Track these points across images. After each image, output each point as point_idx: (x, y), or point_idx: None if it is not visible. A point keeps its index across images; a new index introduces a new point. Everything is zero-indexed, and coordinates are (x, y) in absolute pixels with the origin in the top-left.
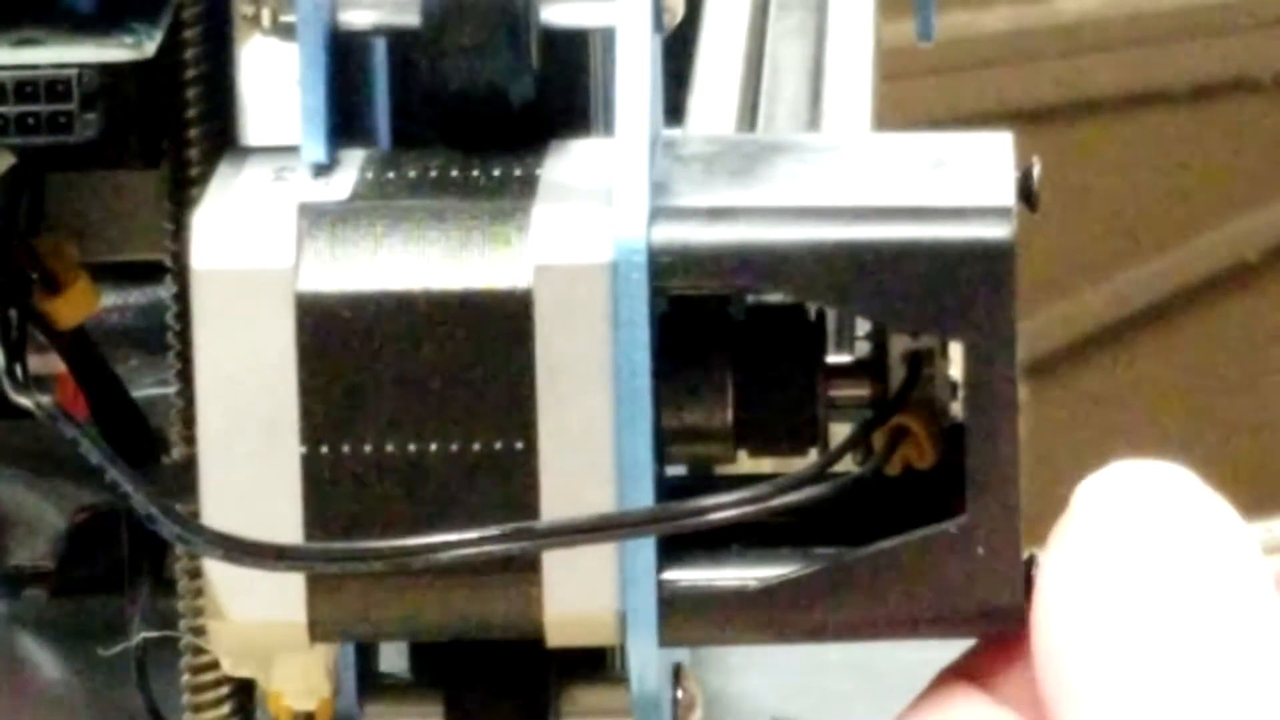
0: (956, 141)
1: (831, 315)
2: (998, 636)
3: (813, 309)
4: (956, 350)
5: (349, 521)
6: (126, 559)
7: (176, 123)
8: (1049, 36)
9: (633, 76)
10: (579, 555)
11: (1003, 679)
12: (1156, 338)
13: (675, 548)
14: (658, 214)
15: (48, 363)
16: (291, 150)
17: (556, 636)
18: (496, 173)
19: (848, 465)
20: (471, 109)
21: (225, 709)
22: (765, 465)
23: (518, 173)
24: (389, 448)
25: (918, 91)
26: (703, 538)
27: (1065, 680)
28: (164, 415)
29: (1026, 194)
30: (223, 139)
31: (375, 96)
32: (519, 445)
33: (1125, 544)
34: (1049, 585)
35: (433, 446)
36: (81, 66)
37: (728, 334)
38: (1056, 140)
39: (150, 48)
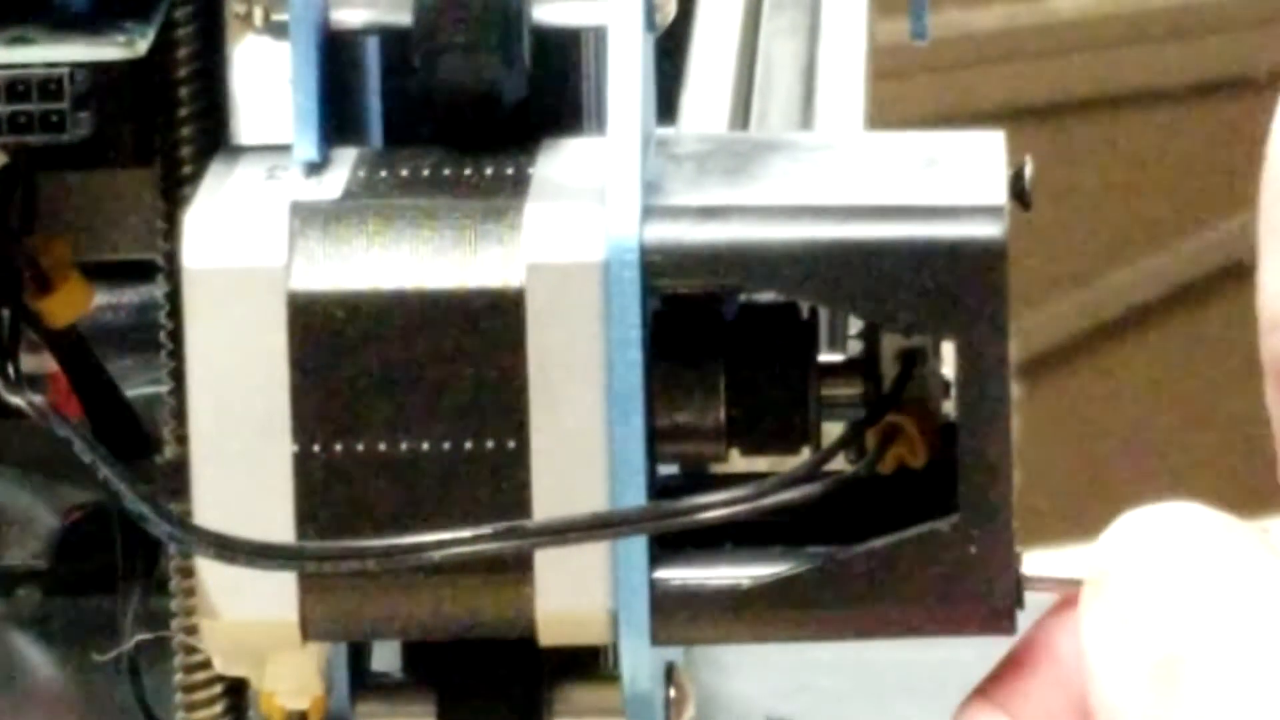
0: (949, 140)
1: (824, 314)
2: (1017, 657)
3: (805, 308)
4: (949, 348)
5: (341, 520)
6: (119, 558)
7: (169, 121)
8: (1042, 35)
9: (625, 75)
10: (571, 554)
11: (1030, 698)
12: (1150, 337)
13: (667, 546)
14: (650, 213)
15: (40, 362)
16: (284, 149)
17: (549, 635)
18: (489, 171)
19: (840, 464)
20: (464, 108)
21: (218, 708)
22: (758, 464)
23: (510, 171)
24: (381, 446)
25: (911, 90)
26: (695, 536)
27: None
28: (156, 414)
29: (1019, 193)
30: (215, 138)
31: (367, 95)
32: (511, 444)
33: (1163, 593)
34: (1095, 645)
35: (425, 445)
36: (74, 65)
37: (720, 333)
38: (1050, 139)
39: (142, 46)
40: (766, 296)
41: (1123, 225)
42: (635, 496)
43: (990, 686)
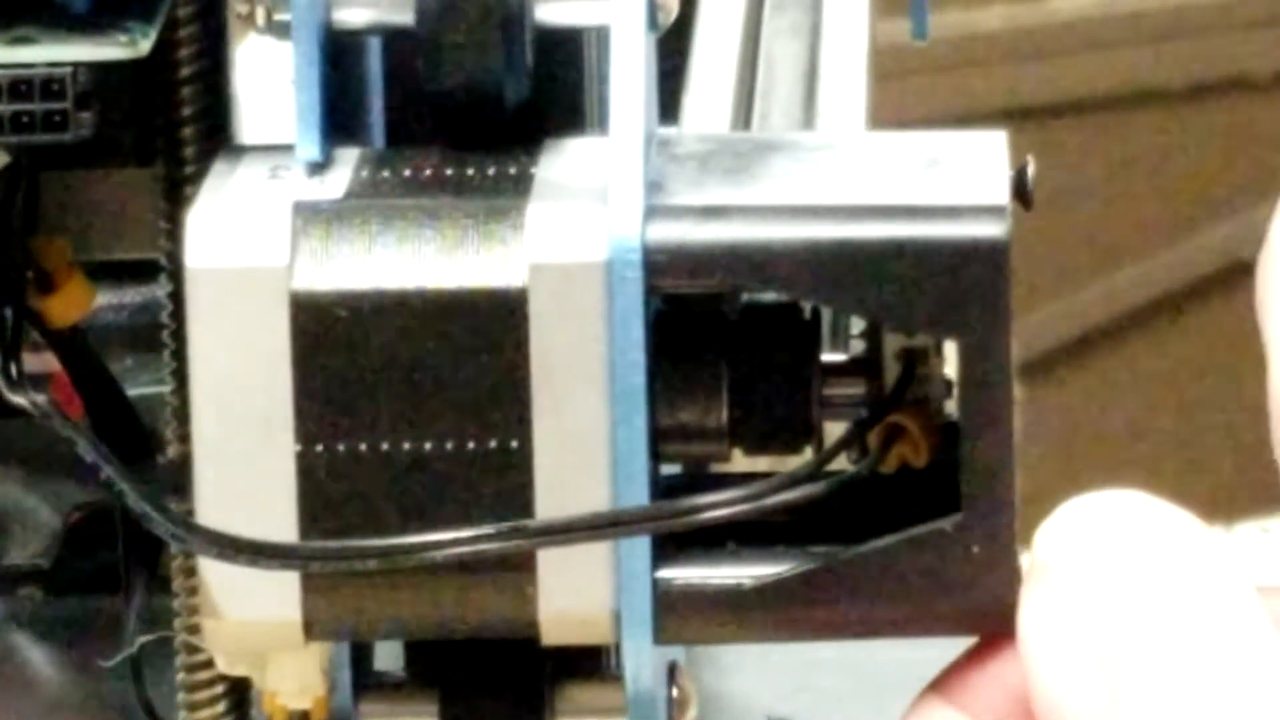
0: (951, 140)
1: (826, 313)
2: (971, 652)
3: (807, 307)
4: (952, 348)
5: (344, 520)
6: (122, 558)
7: (171, 121)
8: (1044, 36)
9: (627, 75)
10: (574, 554)
11: (977, 693)
12: (1151, 337)
13: (670, 546)
14: (652, 212)
15: (43, 361)
16: (286, 149)
17: (551, 635)
18: (491, 171)
19: (842, 464)
20: (466, 107)
21: (220, 708)
22: (760, 464)
23: (512, 171)
24: (384, 446)
25: (913, 90)
26: (698, 536)
27: None
28: (159, 414)
29: (1021, 193)
30: (217, 137)
31: (370, 95)
32: (514, 444)
33: (1105, 586)
34: (1035, 639)
35: (427, 445)
36: (76, 65)
37: (722, 332)
38: (1051, 139)
39: (145, 46)
40: (769, 296)
41: (1123, 225)
42: (638, 496)
43: (943, 680)
